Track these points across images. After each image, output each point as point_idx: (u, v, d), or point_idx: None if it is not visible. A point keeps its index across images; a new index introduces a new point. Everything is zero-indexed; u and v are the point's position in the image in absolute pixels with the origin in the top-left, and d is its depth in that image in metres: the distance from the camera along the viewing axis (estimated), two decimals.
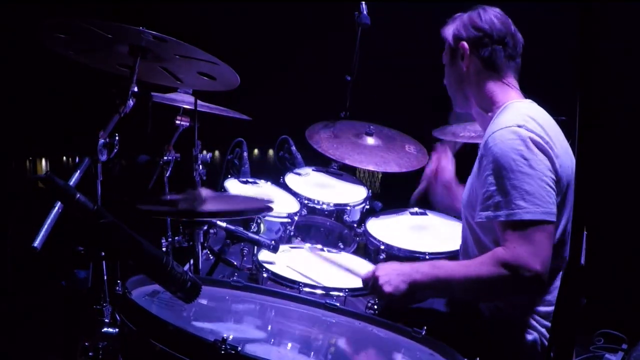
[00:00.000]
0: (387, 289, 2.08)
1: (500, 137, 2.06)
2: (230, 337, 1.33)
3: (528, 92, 2.33)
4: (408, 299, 2.12)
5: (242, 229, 2.68)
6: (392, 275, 2.10)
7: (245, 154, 3.63)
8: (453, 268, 2.10)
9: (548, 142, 2.05)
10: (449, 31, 2.34)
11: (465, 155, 3.04)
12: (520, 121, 2.08)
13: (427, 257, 2.78)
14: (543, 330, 2.15)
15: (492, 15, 2.28)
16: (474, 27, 2.27)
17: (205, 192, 2.48)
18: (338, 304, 1.97)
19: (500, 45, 2.26)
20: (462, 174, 2.86)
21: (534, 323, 2.15)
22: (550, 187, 2.00)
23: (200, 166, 2.88)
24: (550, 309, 2.14)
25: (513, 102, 2.22)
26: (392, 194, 4.98)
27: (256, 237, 2.63)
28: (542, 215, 1.96)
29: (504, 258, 1.95)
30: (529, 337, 2.14)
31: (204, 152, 2.97)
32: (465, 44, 2.28)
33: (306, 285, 2.40)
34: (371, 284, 2.15)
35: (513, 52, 2.28)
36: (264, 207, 2.46)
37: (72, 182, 1.72)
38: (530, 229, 1.95)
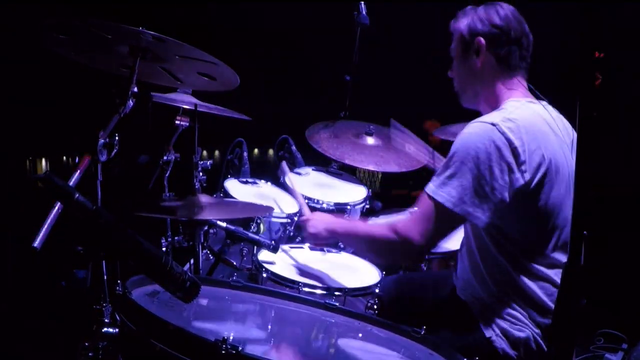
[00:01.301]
0: (311, 230, 2.56)
1: (470, 128, 2.14)
2: (231, 337, 1.33)
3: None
4: (326, 241, 2.66)
5: (242, 229, 2.68)
6: (318, 222, 2.57)
7: (245, 154, 3.63)
8: (363, 227, 2.49)
9: (516, 148, 2.06)
10: (462, 23, 2.31)
11: None
12: (496, 119, 2.11)
13: (426, 256, 2.79)
14: (537, 330, 2.15)
15: (509, 13, 2.26)
16: (491, 24, 2.24)
17: (204, 198, 2.48)
18: (338, 304, 1.97)
19: (516, 45, 2.26)
20: None
21: (525, 320, 2.16)
22: (485, 192, 2.05)
23: (201, 173, 2.89)
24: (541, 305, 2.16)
25: (509, 101, 2.23)
26: (392, 193, 4.99)
27: (256, 237, 2.63)
28: (458, 209, 2.07)
29: (398, 227, 2.19)
30: (520, 334, 2.15)
31: (204, 153, 2.96)
32: (482, 40, 2.25)
33: (306, 285, 2.40)
34: (305, 223, 2.63)
35: (526, 52, 2.29)
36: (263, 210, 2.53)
37: (71, 182, 1.72)
38: (439, 212, 2.10)
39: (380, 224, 2.45)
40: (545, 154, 2.11)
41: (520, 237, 2.14)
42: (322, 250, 2.85)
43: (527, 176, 2.07)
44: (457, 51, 2.35)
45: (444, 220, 2.12)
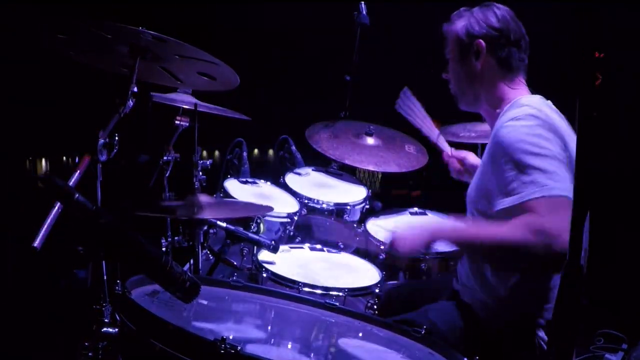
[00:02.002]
0: (406, 244, 2.16)
1: (513, 125, 2.06)
2: (230, 336, 1.33)
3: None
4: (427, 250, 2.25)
5: (242, 229, 2.68)
6: (411, 231, 2.19)
7: (244, 154, 3.63)
8: (481, 230, 2.11)
9: (560, 127, 2.06)
10: (458, 26, 2.29)
11: None
12: (531, 110, 2.08)
13: (427, 257, 2.78)
14: (541, 332, 2.15)
15: (506, 15, 2.25)
16: (490, 26, 2.23)
17: (204, 198, 2.48)
18: (338, 304, 1.97)
19: (515, 47, 2.25)
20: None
21: (530, 321, 2.15)
22: (566, 167, 1.98)
23: (200, 172, 2.89)
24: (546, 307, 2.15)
25: (522, 97, 2.22)
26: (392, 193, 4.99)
27: (256, 237, 2.63)
28: (566, 192, 1.92)
29: (541, 225, 1.90)
30: (525, 335, 2.15)
31: (204, 153, 2.96)
32: (482, 43, 2.24)
33: (306, 285, 2.40)
34: (390, 241, 2.22)
35: (524, 53, 2.28)
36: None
37: (71, 182, 1.72)
38: (558, 204, 1.91)
39: (504, 226, 2.01)
40: (569, 144, 2.10)
41: None
42: (321, 250, 2.85)
43: (571, 154, 2.04)
44: (454, 54, 2.33)
45: (565, 211, 1.84)
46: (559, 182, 1.94)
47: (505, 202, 2.02)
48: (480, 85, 2.29)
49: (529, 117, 2.06)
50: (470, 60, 2.28)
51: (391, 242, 2.20)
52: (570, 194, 1.90)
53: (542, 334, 2.15)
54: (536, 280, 2.13)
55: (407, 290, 2.75)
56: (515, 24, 2.26)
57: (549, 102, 2.23)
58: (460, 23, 2.29)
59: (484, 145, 2.63)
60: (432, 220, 2.31)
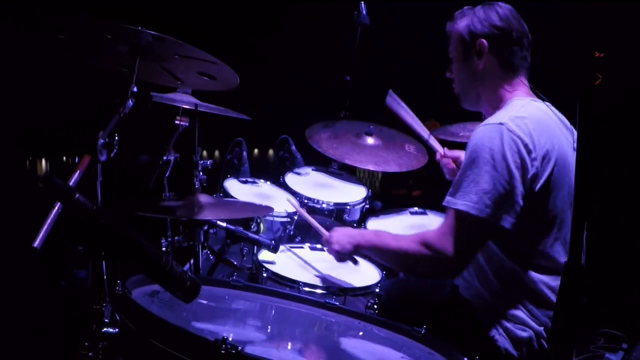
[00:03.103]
0: (335, 247, 2.43)
1: (480, 132, 2.11)
2: (230, 336, 1.33)
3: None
4: (350, 256, 2.51)
5: (242, 228, 2.68)
6: (341, 236, 2.43)
7: (244, 153, 3.63)
8: (390, 240, 2.31)
9: (527, 145, 2.06)
10: (461, 25, 2.29)
11: None
12: (504, 119, 2.09)
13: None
14: (540, 328, 2.15)
15: (508, 14, 2.25)
16: (492, 25, 2.23)
17: (204, 198, 2.48)
18: (338, 304, 1.97)
19: (517, 46, 2.25)
20: None
21: (528, 320, 2.15)
22: (507, 192, 2.03)
23: (201, 172, 2.88)
24: (547, 310, 2.16)
25: (513, 100, 2.22)
26: (392, 193, 4.99)
27: (256, 236, 2.63)
28: (484, 214, 2.02)
29: (429, 240, 2.12)
30: (524, 333, 2.15)
31: (204, 153, 2.96)
32: (485, 42, 2.24)
33: (306, 284, 2.40)
34: (327, 240, 2.49)
35: (527, 52, 2.28)
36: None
37: (71, 182, 1.72)
38: (466, 221, 2.04)
39: (409, 237, 2.26)
40: (554, 148, 2.11)
41: (528, 235, 2.13)
42: (322, 249, 2.85)
43: (541, 173, 2.07)
44: (456, 53, 2.33)
45: (472, 229, 2.06)
46: (484, 203, 2.02)
47: (445, 200, 2.14)
48: (482, 85, 2.30)
49: (498, 125, 2.07)
50: (472, 60, 2.28)
51: (328, 239, 2.47)
52: (491, 217, 2.01)
53: (537, 328, 2.16)
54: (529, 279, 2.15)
55: (407, 289, 2.75)
56: (518, 22, 2.26)
57: (539, 105, 2.23)
58: (463, 22, 2.29)
59: None
60: (354, 231, 2.53)
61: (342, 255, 2.47)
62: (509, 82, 2.26)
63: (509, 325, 2.16)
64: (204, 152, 2.96)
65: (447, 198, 2.11)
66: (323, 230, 2.62)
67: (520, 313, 2.16)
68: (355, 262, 2.65)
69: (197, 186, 2.71)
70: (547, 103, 2.26)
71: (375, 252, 2.40)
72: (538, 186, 2.07)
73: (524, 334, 2.15)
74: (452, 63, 2.37)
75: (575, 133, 2.25)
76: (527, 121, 2.10)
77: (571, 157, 2.16)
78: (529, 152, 2.06)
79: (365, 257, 2.67)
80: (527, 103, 2.20)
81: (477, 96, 2.33)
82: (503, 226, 2.04)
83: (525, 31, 2.27)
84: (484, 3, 2.30)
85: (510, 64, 2.25)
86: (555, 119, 2.21)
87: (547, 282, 2.15)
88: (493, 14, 2.25)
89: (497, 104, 2.26)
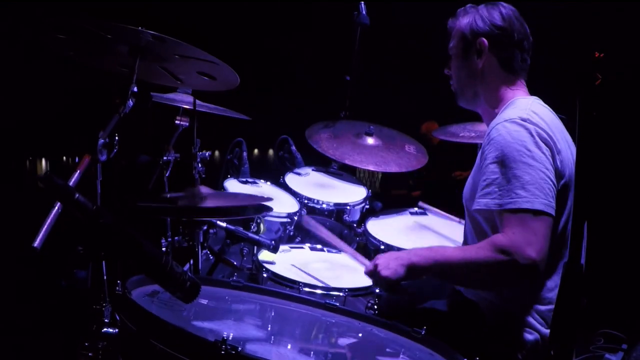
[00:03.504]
0: (385, 272, 2.09)
1: (504, 129, 2.06)
2: (231, 337, 1.33)
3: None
4: (403, 281, 2.12)
5: (242, 229, 2.68)
6: (390, 260, 2.12)
7: (244, 153, 3.63)
8: (451, 252, 2.12)
9: (551, 137, 2.05)
10: (463, 22, 2.28)
11: (466, 155, 3.04)
12: (524, 115, 2.08)
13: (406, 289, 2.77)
14: (546, 331, 2.14)
15: (511, 14, 2.24)
16: (494, 25, 2.22)
17: (204, 189, 2.48)
18: (338, 304, 1.97)
19: (518, 48, 2.24)
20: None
21: (535, 323, 2.14)
22: (551, 180, 2.00)
23: (200, 164, 2.88)
24: (552, 307, 2.14)
25: (518, 99, 2.22)
26: (392, 193, 4.99)
27: (256, 237, 2.63)
28: (541, 206, 1.96)
29: (502, 243, 1.95)
30: (530, 336, 2.13)
31: (203, 150, 2.96)
32: (485, 41, 2.23)
33: (306, 285, 2.40)
34: (372, 271, 2.15)
35: (527, 54, 2.27)
36: (263, 204, 2.48)
37: (71, 182, 1.72)
38: (529, 217, 1.96)
39: (473, 246, 2.09)
40: (569, 146, 2.10)
41: None
42: (322, 250, 2.85)
43: (559, 165, 2.05)
44: (457, 50, 2.31)
45: (538, 223, 1.96)
46: (536, 195, 1.96)
47: (479, 204, 2.06)
48: (481, 84, 2.29)
49: (520, 121, 2.05)
50: (472, 58, 2.27)
51: (373, 269, 2.14)
52: (548, 208, 1.96)
53: (544, 331, 2.15)
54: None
55: (408, 288, 2.74)
56: (520, 23, 2.25)
57: (544, 104, 2.22)
58: (465, 20, 2.28)
59: None
60: (403, 252, 2.20)
61: (394, 283, 2.11)
62: (509, 83, 2.26)
63: (514, 328, 2.14)
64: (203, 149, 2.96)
65: (489, 201, 2.02)
66: (364, 260, 2.35)
67: (526, 315, 2.14)
68: (405, 294, 2.30)
69: (196, 177, 2.71)
70: (541, 103, 2.26)
71: (436, 269, 2.10)
72: (558, 181, 2.06)
73: (530, 337, 2.13)
74: (451, 60, 2.36)
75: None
76: (544, 117, 2.10)
77: (571, 156, 2.16)
78: (554, 143, 2.05)
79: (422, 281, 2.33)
80: (532, 102, 2.20)
81: (474, 95, 2.32)
82: (551, 213, 1.97)
83: (527, 33, 2.26)
84: (488, 2, 2.29)
85: (510, 65, 2.24)
86: (557, 116, 2.21)
87: (552, 282, 2.14)
88: (496, 13, 2.24)
89: (497, 103, 2.26)
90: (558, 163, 2.05)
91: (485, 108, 2.31)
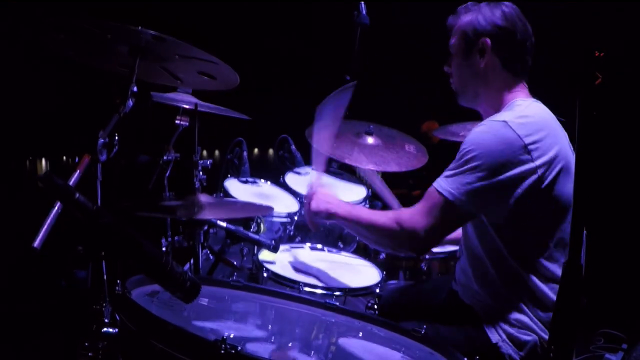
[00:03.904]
0: (312, 205, 2.41)
1: (481, 127, 2.12)
2: (231, 336, 1.33)
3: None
4: (323, 220, 2.44)
5: (242, 229, 2.67)
6: (321, 199, 2.42)
7: (244, 153, 3.63)
8: (365, 213, 2.36)
9: (528, 145, 2.05)
10: (464, 21, 2.25)
11: None
12: (507, 117, 2.09)
13: (426, 257, 2.77)
14: (544, 334, 2.14)
15: (514, 14, 2.22)
16: (497, 25, 2.20)
17: (204, 198, 2.48)
18: (338, 304, 1.97)
19: (520, 48, 2.22)
20: None
21: (531, 324, 2.14)
22: (497, 189, 2.04)
23: (201, 172, 2.88)
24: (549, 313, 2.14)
25: (515, 101, 2.21)
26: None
27: (256, 237, 2.63)
28: (464, 204, 2.06)
29: (402, 218, 2.17)
30: (527, 337, 2.13)
31: (204, 153, 2.96)
32: (488, 41, 2.21)
33: (306, 285, 2.40)
34: (306, 197, 2.49)
35: (529, 55, 2.25)
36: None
37: (71, 182, 1.72)
38: (446, 209, 2.09)
39: (384, 212, 2.33)
40: (559, 149, 2.10)
41: (534, 237, 2.12)
42: (322, 250, 2.85)
43: (541, 171, 2.05)
44: (458, 49, 2.29)
45: (449, 215, 2.10)
46: (461, 192, 2.06)
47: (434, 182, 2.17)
48: (483, 84, 2.26)
49: (498, 126, 2.08)
50: (474, 57, 2.24)
51: (310, 196, 2.44)
52: (466, 206, 2.05)
53: (542, 334, 2.15)
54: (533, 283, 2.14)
55: (407, 290, 2.75)
56: (523, 23, 2.22)
57: (541, 107, 2.22)
58: (467, 18, 2.25)
59: None
60: (334, 199, 2.45)
61: (314, 218, 2.43)
62: (511, 84, 2.24)
63: (512, 330, 2.14)
64: (204, 152, 2.96)
65: (438, 179, 2.15)
66: (318, 179, 2.58)
67: (524, 317, 2.14)
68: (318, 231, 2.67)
69: (197, 186, 2.71)
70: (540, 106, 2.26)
71: (347, 222, 2.37)
72: (540, 185, 2.05)
73: (528, 339, 2.13)
74: (452, 58, 2.33)
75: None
76: (532, 120, 2.09)
77: (572, 157, 2.15)
78: (530, 152, 2.04)
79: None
80: (530, 103, 2.19)
81: (475, 94, 2.30)
82: (485, 218, 2.10)
83: (529, 34, 2.23)
84: (490, 0, 2.26)
85: (513, 66, 2.23)
86: (556, 120, 2.21)
87: (555, 285, 2.13)
88: (498, 12, 2.21)
89: (497, 104, 2.25)
90: (532, 170, 2.04)
91: (485, 108, 2.30)
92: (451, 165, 2.13)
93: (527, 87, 2.28)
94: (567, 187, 2.10)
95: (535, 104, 2.21)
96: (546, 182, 2.06)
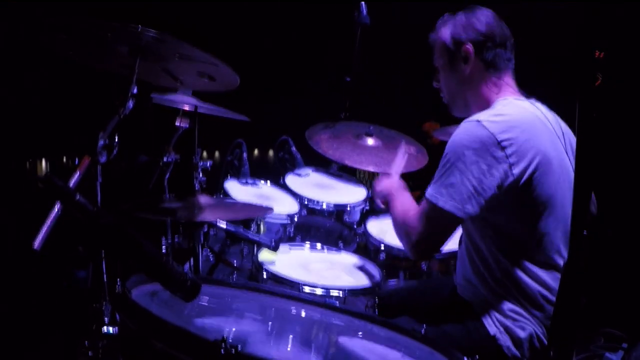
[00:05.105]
0: (377, 187, 2.59)
1: (458, 129, 2.15)
2: (231, 336, 1.33)
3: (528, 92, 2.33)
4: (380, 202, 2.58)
5: (242, 229, 2.68)
6: (386, 183, 2.56)
7: (244, 154, 3.63)
8: (405, 207, 2.35)
9: (502, 142, 2.07)
10: (444, 34, 2.31)
11: None
12: (480, 117, 2.12)
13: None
14: (539, 327, 2.17)
15: (489, 17, 2.27)
16: (475, 30, 2.25)
17: (203, 199, 2.48)
18: (338, 304, 1.97)
19: (501, 48, 2.27)
20: None
21: (526, 316, 2.16)
22: (475, 188, 2.06)
23: (201, 174, 2.88)
24: (542, 308, 2.17)
25: (498, 100, 2.24)
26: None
27: (256, 237, 2.63)
28: (448, 206, 2.09)
29: (414, 223, 2.21)
30: (523, 331, 2.15)
31: (204, 154, 2.96)
32: (470, 47, 2.26)
33: (306, 285, 2.40)
34: (381, 176, 2.65)
35: (511, 53, 2.30)
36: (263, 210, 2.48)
37: (72, 183, 1.72)
38: (432, 213, 2.13)
39: (413, 211, 2.30)
40: (536, 147, 2.12)
41: (515, 234, 2.15)
42: (322, 250, 2.85)
43: (517, 170, 2.08)
44: (442, 62, 2.35)
45: (436, 219, 2.13)
46: (452, 198, 2.08)
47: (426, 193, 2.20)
48: (469, 90, 2.32)
49: (473, 126, 2.11)
50: (459, 66, 2.30)
51: (381, 179, 2.60)
52: (459, 212, 2.07)
53: (539, 332, 2.16)
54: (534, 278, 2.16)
55: (407, 290, 2.76)
56: (500, 26, 2.28)
57: (527, 103, 2.24)
58: (446, 30, 2.31)
59: None
60: (397, 185, 2.54)
61: (376, 195, 2.62)
62: (495, 84, 2.28)
63: (508, 323, 2.17)
64: (204, 153, 2.96)
65: (428, 188, 2.18)
66: (396, 167, 2.74)
67: (519, 310, 2.17)
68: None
69: (197, 188, 2.71)
70: (532, 100, 2.28)
71: (392, 211, 2.41)
72: (517, 184, 2.08)
73: (524, 332, 2.16)
74: (439, 72, 2.40)
75: (566, 130, 2.28)
76: (507, 119, 2.12)
77: (555, 152, 2.16)
78: (504, 148, 2.07)
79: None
80: (509, 102, 2.23)
81: (465, 103, 2.35)
82: (467, 213, 2.11)
83: (507, 35, 2.29)
84: (465, 8, 2.31)
85: (496, 67, 2.27)
86: (540, 114, 2.22)
87: (541, 279, 2.16)
88: (474, 19, 2.27)
89: (486, 106, 2.28)
90: (508, 168, 2.07)
91: (477, 113, 2.32)
92: (437, 171, 2.17)
93: (514, 84, 2.31)
94: (547, 184, 2.12)
95: (515, 102, 2.23)
96: (524, 178, 2.09)
